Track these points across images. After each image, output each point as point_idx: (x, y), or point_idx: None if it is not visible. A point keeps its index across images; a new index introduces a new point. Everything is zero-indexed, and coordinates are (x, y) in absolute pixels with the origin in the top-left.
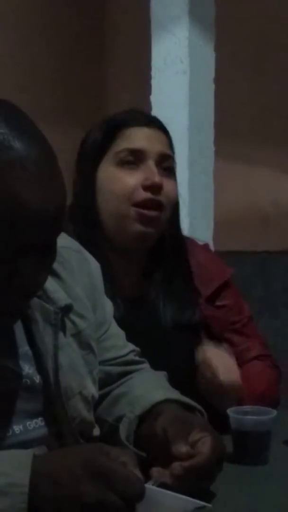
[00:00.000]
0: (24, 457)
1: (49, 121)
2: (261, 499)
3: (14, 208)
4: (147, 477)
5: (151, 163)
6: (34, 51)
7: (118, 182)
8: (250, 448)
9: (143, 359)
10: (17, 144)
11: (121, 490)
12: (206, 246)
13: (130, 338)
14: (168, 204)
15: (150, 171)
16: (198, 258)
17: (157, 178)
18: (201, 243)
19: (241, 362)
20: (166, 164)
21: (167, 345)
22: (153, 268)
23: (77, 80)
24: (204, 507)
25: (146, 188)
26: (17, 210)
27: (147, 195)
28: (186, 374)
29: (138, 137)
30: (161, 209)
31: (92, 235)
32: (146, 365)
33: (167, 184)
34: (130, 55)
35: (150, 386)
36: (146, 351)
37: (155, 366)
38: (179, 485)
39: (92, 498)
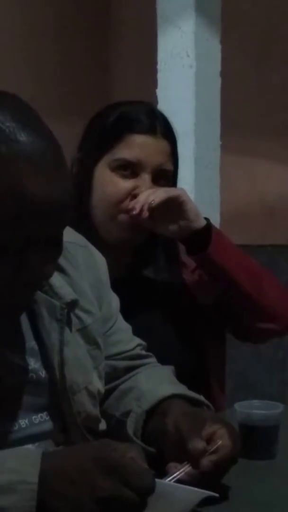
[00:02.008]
0: (33, 454)
1: (55, 114)
2: (269, 493)
3: (20, 201)
4: (159, 472)
5: (146, 177)
6: (39, 45)
7: (110, 187)
8: (257, 442)
9: (149, 353)
10: (23, 137)
11: (134, 484)
12: None
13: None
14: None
15: (143, 182)
16: None
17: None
18: None
19: None
20: (162, 177)
21: (153, 323)
22: (143, 252)
23: (83, 73)
24: (212, 497)
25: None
26: (23, 203)
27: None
28: (170, 354)
29: (138, 147)
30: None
31: (83, 224)
32: (152, 359)
33: None
34: (136, 49)
35: (157, 381)
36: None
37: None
38: (206, 480)
39: (105, 493)
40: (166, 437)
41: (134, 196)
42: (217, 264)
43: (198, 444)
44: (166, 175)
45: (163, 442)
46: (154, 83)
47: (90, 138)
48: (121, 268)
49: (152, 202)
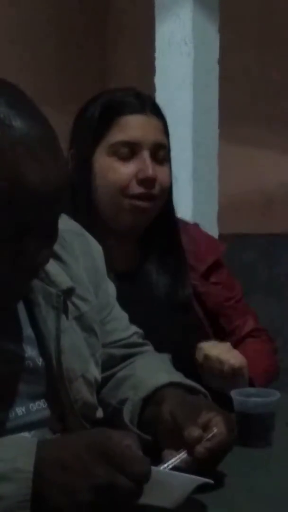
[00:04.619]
0: (28, 443)
1: (52, 103)
2: (264, 480)
3: (16, 187)
4: (155, 459)
5: (145, 154)
6: (38, 32)
7: (112, 174)
8: (253, 430)
9: (146, 341)
10: (18, 123)
11: (130, 472)
12: (197, 225)
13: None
14: (161, 193)
15: (144, 163)
16: (192, 235)
17: (151, 172)
18: (191, 223)
19: (237, 337)
20: (161, 153)
21: (159, 319)
22: (148, 245)
23: (81, 61)
24: (207, 484)
25: (139, 181)
26: (18, 188)
27: (141, 189)
28: (177, 347)
29: (132, 127)
30: (154, 200)
31: (86, 215)
32: (149, 347)
33: (160, 173)
34: (134, 37)
35: (153, 369)
36: (139, 325)
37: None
38: (201, 467)
39: (102, 481)
40: (162, 425)
41: (140, 181)
42: None
43: (194, 431)
44: (164, 148)
45: (159, 430)
46: (152, 71)
47: (81, 131)
48: (126, 262)
49: None
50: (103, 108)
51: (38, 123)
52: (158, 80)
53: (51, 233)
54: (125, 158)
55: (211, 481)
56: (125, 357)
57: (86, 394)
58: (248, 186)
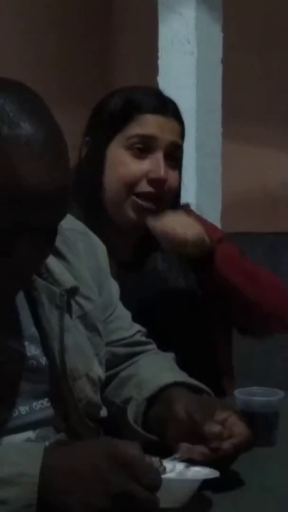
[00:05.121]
0: (35, 448)
1: (55, 102)
2: (268, 480)
3: (15, 185)
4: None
5: (159, 155)
6: (40, 31)
7: (123, 168)
8: (257, 429)
9: (149, 340)
10: (25, 122)
11: (144, 480)
12: (188, 205)
13: (123, 301)
14: (168, 196)
15: (157, 164)
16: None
17: (163, 173)
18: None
19: None
20: (175, 154)
21: (163, 310)
22: (151, 236)
23: (84, 60)
24: (211, 480)
25: (150, 181)
26: (18, 186)
27: (149, 188)
28: (178, 337)
29: (151, 125)
30: (160, 203)
31: (91, 206)
32: (153, 346)
33: (170, 176)
34: (137, 36)
35: (157, 369)
36: (139, 314)
37: (147, 330)
38: (220, 463)
39: (118, 489)
40: (174, 423)
41: (150, 180)
42: (220, 278)
43: (214, 428)
44: (179, 151)
45: (169, 429)
46: (155, 70)
47: (100, 121)
48: (129, 253)
49: None
50: (125, 103)
51: (45, 123)
52: (161, 79)
53: (50, 237)
54: (139, 155)
55: (217, 474)
56: (129, 356)
57: (90, 393)
58: (252, 185)
